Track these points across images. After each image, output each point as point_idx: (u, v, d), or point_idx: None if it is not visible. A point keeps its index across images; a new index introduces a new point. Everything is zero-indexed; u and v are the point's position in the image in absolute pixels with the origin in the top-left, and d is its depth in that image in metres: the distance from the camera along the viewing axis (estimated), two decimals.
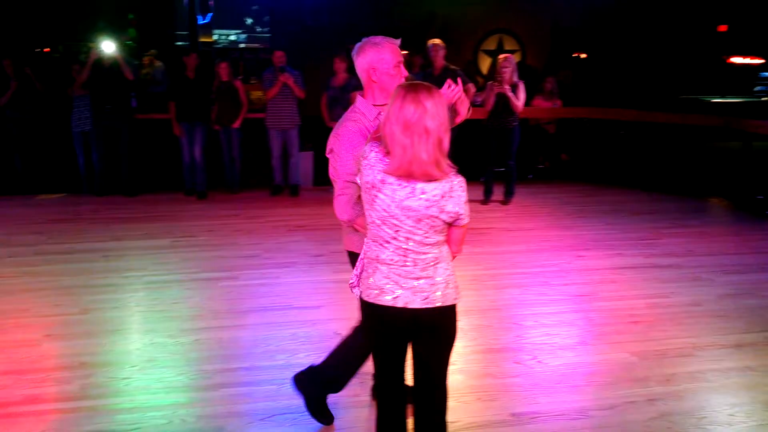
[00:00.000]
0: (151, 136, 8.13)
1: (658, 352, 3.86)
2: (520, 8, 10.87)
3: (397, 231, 2.24)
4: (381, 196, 2.22)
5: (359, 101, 2.77)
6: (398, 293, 2.27)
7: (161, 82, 9.66)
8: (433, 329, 2.33)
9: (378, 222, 2.27)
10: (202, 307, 4.51)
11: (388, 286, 2.28)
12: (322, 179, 8.11)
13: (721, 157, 9.24)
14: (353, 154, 2.55)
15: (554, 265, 5.34)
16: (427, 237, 2.24)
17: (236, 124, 7.57)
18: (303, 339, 3.98)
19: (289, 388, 3.17)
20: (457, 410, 3.08)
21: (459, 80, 2.79)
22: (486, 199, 7.40)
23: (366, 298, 2.35)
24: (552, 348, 3.89)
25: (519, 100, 7.03)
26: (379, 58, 2.68)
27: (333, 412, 3.09)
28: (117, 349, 3.89)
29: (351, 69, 7.60)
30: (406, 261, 2.26)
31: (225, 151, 7.72)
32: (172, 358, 3.75)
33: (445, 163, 2.21)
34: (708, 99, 11.32)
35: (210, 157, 7.70)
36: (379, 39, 2.72)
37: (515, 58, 10.06)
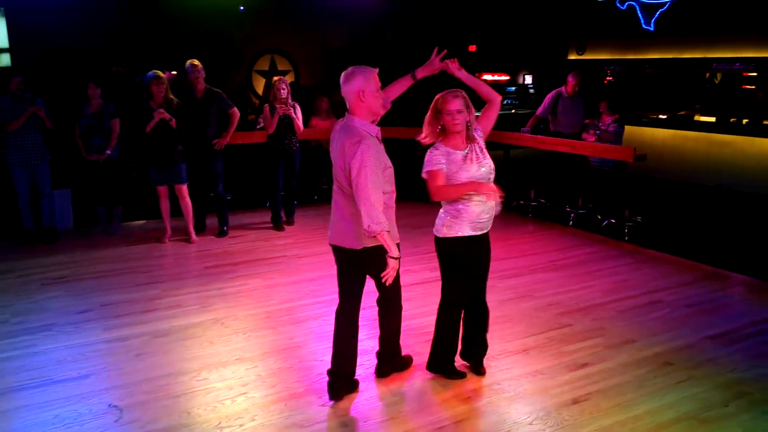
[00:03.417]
0: None
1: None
2: (290, 29, 10.85)
3: None
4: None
5: (358, 122, 3.24)
6: None
7: None
8: None
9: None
10: None
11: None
12: (84, 220, 7.17)
13: None
14: (379, 168, 3.18)
15: None
16: None
17: None
18: (70, 421, 3.32)
19: None
20: None
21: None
22: (279, 225, 7.15)
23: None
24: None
25: (299, 120, 6.99)
26: (367, 82, 3.21)
27: None
28: None
29: (104, 94, 6.85)
30: None
31: None
32: None
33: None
34: None
35: None
36: (363, 67, 3.26)
37: (288, 78, 10.01)
